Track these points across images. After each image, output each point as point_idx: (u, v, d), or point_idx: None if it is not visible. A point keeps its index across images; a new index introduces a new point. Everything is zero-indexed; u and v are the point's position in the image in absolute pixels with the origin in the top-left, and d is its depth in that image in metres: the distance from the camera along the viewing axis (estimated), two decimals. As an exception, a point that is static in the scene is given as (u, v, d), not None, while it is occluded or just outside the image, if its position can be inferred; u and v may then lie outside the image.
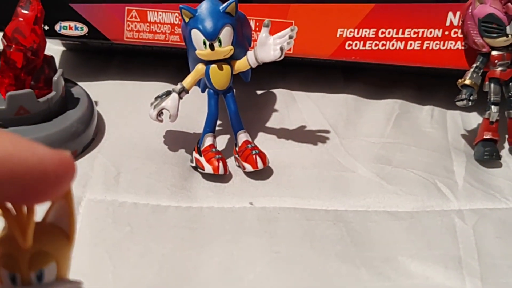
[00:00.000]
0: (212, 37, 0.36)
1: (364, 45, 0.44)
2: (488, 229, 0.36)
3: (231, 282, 0.30)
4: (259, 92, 0.47)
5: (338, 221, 0.35)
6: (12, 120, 0.37)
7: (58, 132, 0.37)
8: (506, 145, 0.43)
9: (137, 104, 0.44)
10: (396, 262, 0.32)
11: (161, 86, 0.46)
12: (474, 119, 0.47)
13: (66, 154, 0.18)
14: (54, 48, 0.50)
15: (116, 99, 0.44)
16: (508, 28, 0.40)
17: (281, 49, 0.36)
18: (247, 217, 0.35)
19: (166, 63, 0.49)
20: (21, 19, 0.38)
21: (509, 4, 0.39)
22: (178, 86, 0.38)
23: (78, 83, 0.43)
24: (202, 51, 0.37)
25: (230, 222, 0.34)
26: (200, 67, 0.38)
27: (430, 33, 0.44)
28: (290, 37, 0.36)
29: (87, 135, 0.39)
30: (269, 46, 0.37)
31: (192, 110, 0.42)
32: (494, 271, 0.32)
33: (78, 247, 0.31)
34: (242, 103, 0.44)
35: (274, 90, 0.47)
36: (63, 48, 0.52)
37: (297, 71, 0.50)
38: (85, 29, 0.44)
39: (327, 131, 0.43)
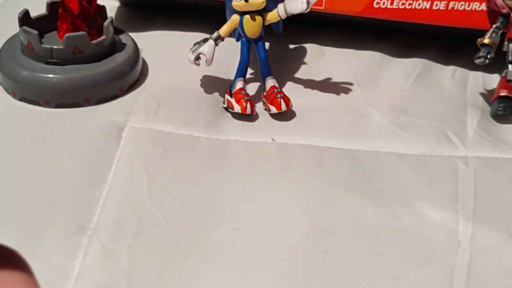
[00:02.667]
0: (246, -11, 0.40)
1: (391, 4, 0.47)
2: (489, 174, 0.39)
3: (248, 199, 0.35)
4: (292, 46, 0.51)
5: (349, 158, 0.39)
6: (68, 59, 0.42)
7: (107, 70, 0.42)
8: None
9: (178, 52, 0.48)
10: (396, 194, 0.36)
11: (202, 37, 0.50)
12: (495, 80, 0.49)
13: None
14: (110, 4, 0.56)
15: (161, 47, 0.49)
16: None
17: (307, 2, 0.40)
18: (267, 150, 0.39)
19: (208, 18, 0.54)
20: (77, -30, 0.43)
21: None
22: (215, 34, 0.42)
23: (129, 33, 0.48)
24: (237, 3, 0.41)
25: (252, 153, 0.39)
26: (235, 17, 0.42)
27: (456, -6, 0.46)
28: (316, -8, 0.40)
29: (132, 75, 0.44)
30: (297, -1, 0.40)
31: (227, 59, 0.46)
32: (486, 207, 0.36)
33: (120, 162, 0.37)
34: (275, 54, 0.48)
35: (306, 45, 0.51)
36: (118, 4, 0.57)
37: (329, 30, 0.53)
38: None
39: (350, 83, 0.47)
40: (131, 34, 0.48)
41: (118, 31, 0.46)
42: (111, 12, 0.46)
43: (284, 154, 0.39)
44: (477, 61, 0.45)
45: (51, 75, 0.41)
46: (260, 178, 0.36)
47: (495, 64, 0.45)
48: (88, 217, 0.33)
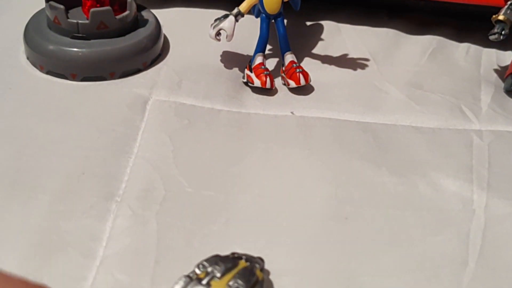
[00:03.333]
0: (266, -35, 0.41)
1: (406, -19, 0.48)
2: (503, 147, 0.40)
3: (270, 168, 0.36)
4: (309, 23, 0.52)
5: (366, 130, 0.40)
6: (93, 33, 0.43)
7: (130, 45, 0.43)
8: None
9: (199, 28, 0.49)
10: (412, 164, 0.37)
11: (222, 13, 0.51)
12: (509, 57, 0.50)
13: None
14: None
15: (181, 24, 0.50)
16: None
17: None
18: (287, 122, 0.40)
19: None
20: None
21: None
22: (235, 10, 0.43)
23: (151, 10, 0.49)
24: (257, -21, 0.42)
25: (272, 125, 0.40)
26: (255, -7, 0.43)
27: (471, -30, 0.47)
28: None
29: (154, 50, 0.45)
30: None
31: (247, 35, 0.47)
32: (500, 177, 0.37)
33: (145, 133, 0.38)
34: (293, 31, 0.49)
35: (322, 22, 0.52)
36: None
37: (345, 8, 0.54)
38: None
39: (367, 59, 0.48)
40: (152, 10, 0.49)
41: (140, 7, 0.48)
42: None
43: (303, 126, 0.40)
44: (491, 37, 0.45)
45: (77, 49, 0.42)
46: (281, 149, 0.38)
47: (509, 41, 0.46)
48: (117, 184, 0.35)
